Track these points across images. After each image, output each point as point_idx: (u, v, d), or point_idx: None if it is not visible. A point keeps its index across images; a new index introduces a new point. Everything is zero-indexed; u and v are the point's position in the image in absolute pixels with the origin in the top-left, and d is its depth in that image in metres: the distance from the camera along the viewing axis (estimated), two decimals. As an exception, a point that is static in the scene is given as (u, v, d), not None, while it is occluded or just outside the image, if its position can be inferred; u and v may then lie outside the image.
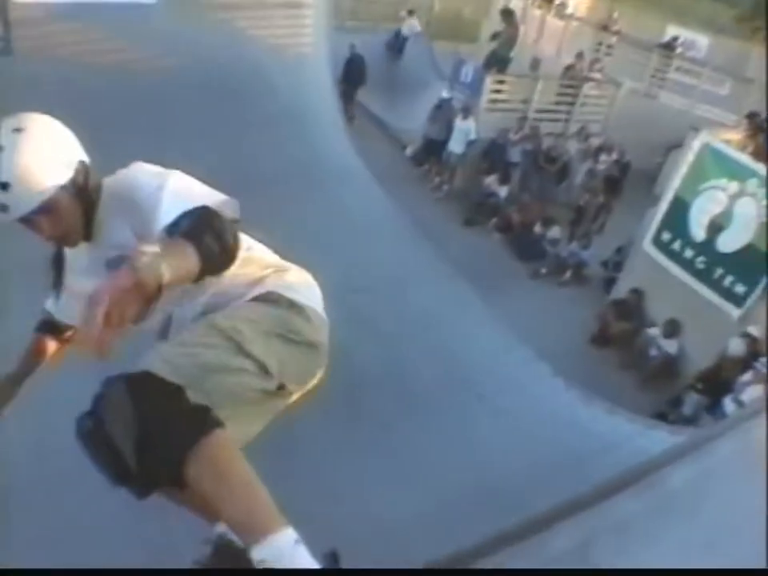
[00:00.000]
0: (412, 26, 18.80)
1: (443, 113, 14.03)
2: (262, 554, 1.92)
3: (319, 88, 11.51)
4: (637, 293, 11.00)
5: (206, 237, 1.88)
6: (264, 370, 2.12)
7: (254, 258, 2.52)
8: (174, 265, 1.76)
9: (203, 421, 1.91)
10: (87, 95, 9.83)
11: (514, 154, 14.00)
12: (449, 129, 13.80)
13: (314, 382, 2.60)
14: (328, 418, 6.41)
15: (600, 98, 15.76)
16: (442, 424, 6.68)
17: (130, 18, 10.26)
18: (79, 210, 2.29)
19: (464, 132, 13.60)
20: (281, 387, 2.25)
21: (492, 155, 13.81)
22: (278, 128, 10.26)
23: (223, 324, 2.11)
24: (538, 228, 12.78)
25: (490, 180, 13.58)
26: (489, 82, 14.43)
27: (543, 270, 12.05)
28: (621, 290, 11.47)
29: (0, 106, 7.89)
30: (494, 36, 15.56)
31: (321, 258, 8.12)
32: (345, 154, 10.55)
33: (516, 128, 14.23)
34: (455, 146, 13.59)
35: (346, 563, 5.10)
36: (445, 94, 14.36)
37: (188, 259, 1.82)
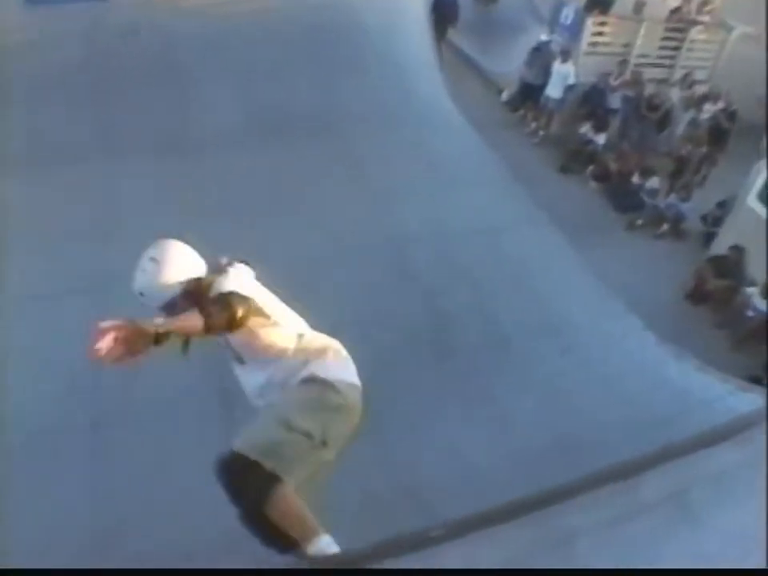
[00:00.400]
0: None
1: (541, 56, 13.62)
2: (312, 551, 3.08)
3: (413, 29, 11.38)
4: (737, 249, 10.57)
5: (213, 308, 2.98)
6: (309, 437, 3.11)
7: (305, 347, 3.43)
8: (178, 323, 2.95)
9: (272, 481, 2.97)
10: (181, 40, 10.15)
11: (614, 100, 13.49)
12: (546, 73, 13.41)
13: (352, 430, 3.54)
14: (416, 360, 6.61)
15: (708, 42, 14.86)
16: (528, 371, 6.76)
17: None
18: (190, 301, 3.19)
19: (562, 76, 13.18)
20: (324, 443, 3.19)
21: (591, 101, 13.37)
22: (371, 70, 10.28)
23: (279, 412, 3.16)
24: (636, 178, 12.40)
25: (588, 126, 13.18)
26: (590, 23, 13.87)
27: (640, 222, 11.71)
28: (720, 246, 11.04)
29: (99, 49, 8.36)
30: (599, -26, 14.89)
31: (412, 201, 8.35)
32: (439, 97, 10.46)
33: (617, 73, 13.67)
34: (553, 90, 13.21)
35: (433, 504, 5.32)
36: (543, 37, 13.91)
37: (192, 319, 2.92)
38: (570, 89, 13.28)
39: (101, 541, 5.13)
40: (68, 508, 5.30)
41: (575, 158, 12.87)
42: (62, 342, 6.50)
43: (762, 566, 3.06)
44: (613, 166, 12.64)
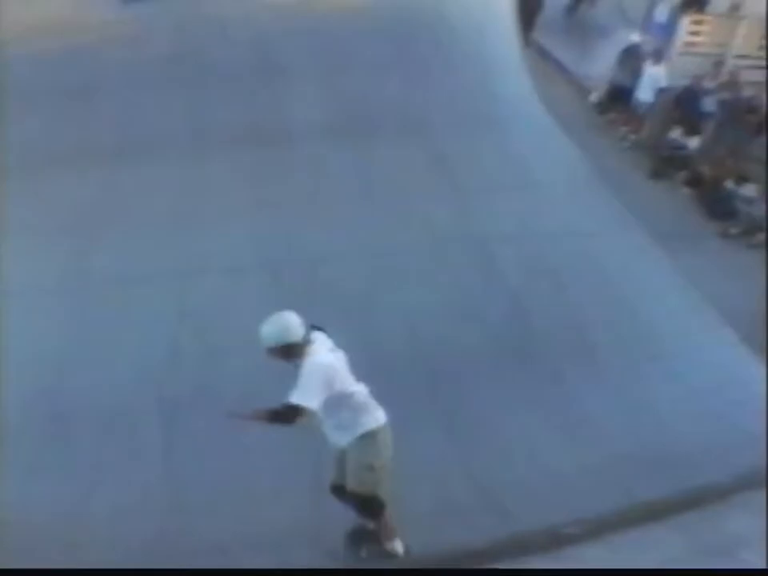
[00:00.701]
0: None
1: (632, 57, 13.27)
2: (393, 547, 4.78)
3: (501, 30, 11.26)
4: (838, 260, 10.04)
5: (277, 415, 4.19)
6: (381, 467, 4.45)
7: (355, 403, 4.44)
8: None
9: (380, 504, 4.54)
10: (272, 34, 10.37)
11: (709, 104, 13.04)
12: (637, 75, 13.06)
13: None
14: (498, 361, 6.59)
15: (815, 42, 14.20)
16: (614, 380, 6.65)
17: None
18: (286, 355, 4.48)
19: (654, 78, 12.81)
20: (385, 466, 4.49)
21: (684, 104, 12.93)
22: (460, 69, 10.24)
23: (360, 462, 4.41)
24: (730, 184, 11.94)
25: (680, 131, 12.77)
26: (685, 22, 13.47)
27: (734, 230, 11.25)
28: (820, 257, 10.51)
29: (193, 43, 8.60)
30: (695, -30, 14.44)
31: (500, 202, 8.31)
32: (527, 98, 10.35)
33: (712, 75, 13.21)
34: (644, 93, 12.84)
35: (513, 510, 5.29)
36: (635, 38, 13.57)
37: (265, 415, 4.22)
38: (661, 92, 12.90)
39: (171, 527, 5.32)
40: (140, 492, 5.53)
41: (667, 164, 12.49)
42: (148, 324, 6.85)
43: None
44: (706, 171, 12.19)
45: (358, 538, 4.96)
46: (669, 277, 7.90)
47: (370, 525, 4.80)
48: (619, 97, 13.49)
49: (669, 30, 13.65)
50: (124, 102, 9.68)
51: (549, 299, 7.15)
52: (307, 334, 4.28)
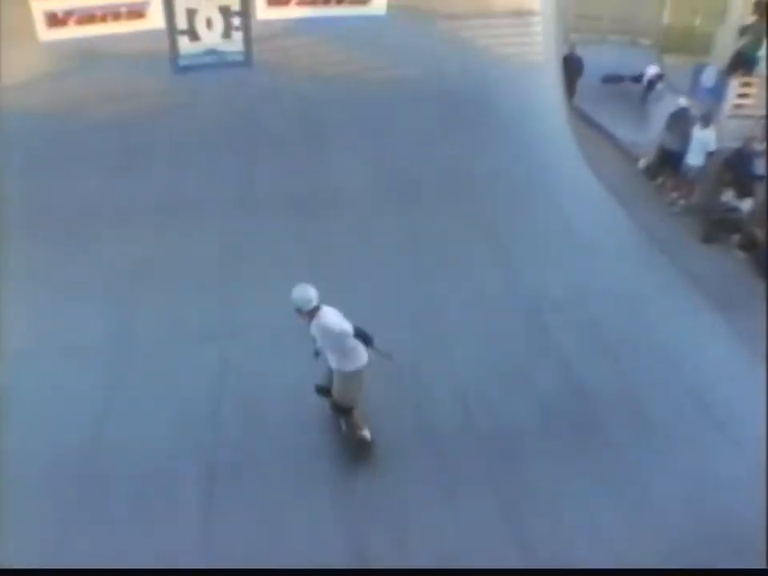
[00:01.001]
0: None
1: (681, 122, 13.19)
2: (363, 434, 6.26)
3: (547, 97, 11.46)
4: None
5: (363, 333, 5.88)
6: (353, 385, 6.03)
7: (344, 347, 5.92)
8: None
9: (348, 410, 6.16)
10: (319, 103, 10.70)
11: (760, 166, 12.84)
12: (686, 139, 12.97)
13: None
14: (553, 432, 6.34)
15: None
16: (676, 451, 6.33)
17: (360, 30, 11.02)
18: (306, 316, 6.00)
19: (703, 142, 12.66)
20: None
21: (735, 166, 12.74)
22: (505, 136, 10.44)
23: (343, 384, 5.98)
24: (785, 247, 11.63)
25: (732, 194, 12.56)
26: (734, 85, 13.39)
27: (791, 293, 10.94)
28: None
29: (240, 113, 8.90)
30: (743, 31, 14.41)
31: (550, 268, 8.20)
32: (574, 165, 10.46)
33: (762, 136, 13.05)
34: (694, 157, 12.70)
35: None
36: (683, 102, 13.54)
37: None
38: (711, 155, 12.76)
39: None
40: (175, 556, 5.39)
41: (719, 227, 12.23)
42: (189, 384, 6.85)
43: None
44: (760, 234, 11.93)
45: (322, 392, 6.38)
46: (725, 342, 7.65)
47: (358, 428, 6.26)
48: (668, 162, 13.36)
49: (717, 93, 13.59)
50: (175, 167, 10.02)
51: (603, 368, 6.97)
52: (319, 302, 5.86)
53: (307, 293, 5.86)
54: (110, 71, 10.75)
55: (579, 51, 15.40)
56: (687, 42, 20.56)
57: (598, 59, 16.40)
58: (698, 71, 14.31)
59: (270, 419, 6.47)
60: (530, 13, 11.71)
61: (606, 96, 16.49)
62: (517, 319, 7.56)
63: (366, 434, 6.24)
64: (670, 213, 11.97)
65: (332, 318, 5.85)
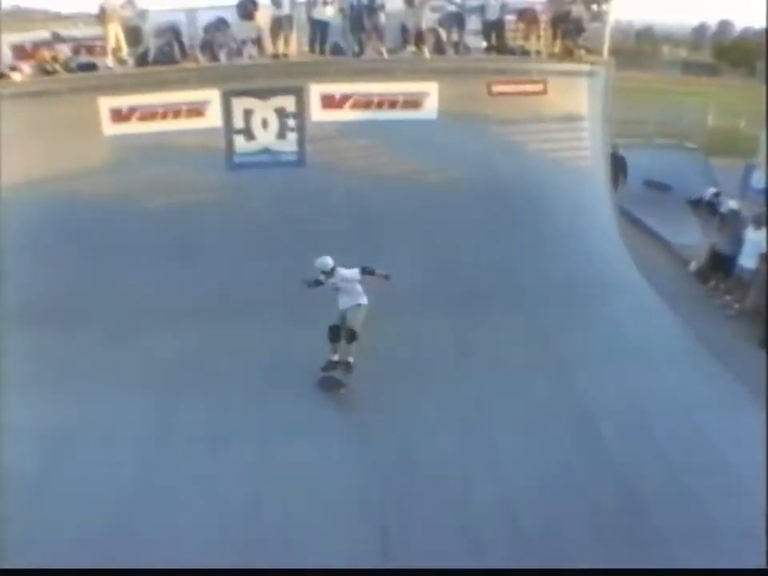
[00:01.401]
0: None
1: (732, 224, 13.11)
2: (348, 359, 8.51)
3: (597, 201, 11.54)
4: None
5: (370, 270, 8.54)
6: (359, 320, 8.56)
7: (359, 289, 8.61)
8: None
9: (357, 335, 8.41)
10: (371, 203, 10.92)
11: (817, 267, 12.56)
12: (738, 242, 12.82)
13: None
14: (605, 549, 6.02)
15: None
16: (739, 564, 5.88)
17: (412, 133, 11.33)
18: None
19: (757, 244, 12.50)
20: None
21: (791, 268, 12.52)
22: (556, 241, 10.52)
23: (356, 313, 8.46)
24: None
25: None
26: (786, 184, 13.36)
27: None
28: None
29: (293, 208, 9.12)
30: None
31: (601, 375, 8.01)
32: (624, 269, 10.43)
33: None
34: (747, 259, 12.50)
35: None
36: (733, 204, 13.48)
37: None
38: (765, 257, 12.56)
39: None
40: None
41: (777, 332, 11.93)
42: (225, 486, 6.73)
43: None
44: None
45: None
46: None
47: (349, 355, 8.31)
48: (721, 264, 13.18)
49: (768, 193, 13.55)
50: (225, 262, 10.24)
51: (658, 478, 6.67)
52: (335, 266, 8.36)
53: (325, 259, 8.43)
54: (168, 165, 11.19)
55: (623, 152, 15.58)
56: (733, 144, 20.78)
57: (643, 161, 16.58)
58: (747, 172, 14.37)
59: (308, 523, 6.29)
60: (578, 118, 11.91)
61: (654, 198, 16.57)
62: (568, 425, 7.36)
63: (351, 359, 8.32)
64: (723, 317, 11.72)
65: (346, 270, 8.45)
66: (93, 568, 5.03)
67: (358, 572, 5.31)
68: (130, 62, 12.54)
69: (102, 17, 12.30)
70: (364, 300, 8.46)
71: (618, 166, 15.42)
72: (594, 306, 9.46)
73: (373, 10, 12.47)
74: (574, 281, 9.87)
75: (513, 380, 8.02)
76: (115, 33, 12.29)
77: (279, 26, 12.41)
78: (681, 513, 6.31)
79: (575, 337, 8.90)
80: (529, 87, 11.87)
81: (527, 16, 13.24)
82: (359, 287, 8.41)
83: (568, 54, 12.55)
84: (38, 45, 12.91)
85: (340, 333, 8.37)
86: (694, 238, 14.36)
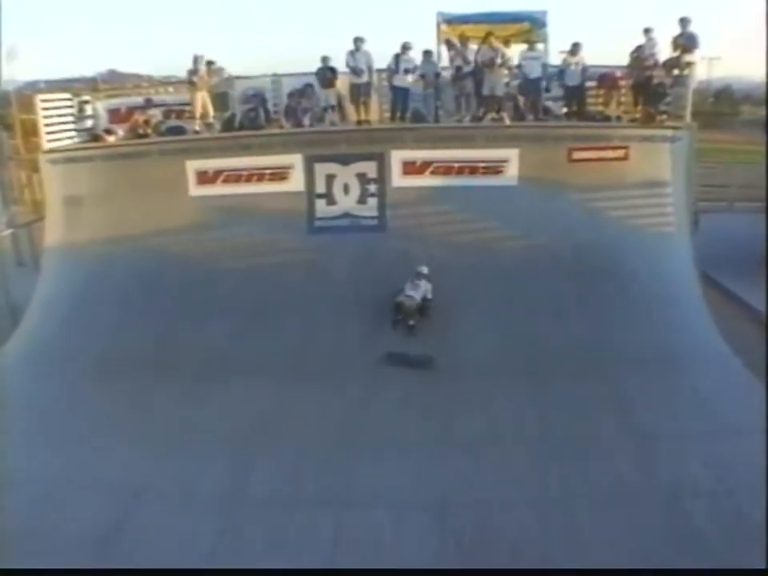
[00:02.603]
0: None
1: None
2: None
3: (681, 269, 11.32)
4: None
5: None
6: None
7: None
8: None
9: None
10: (450, 270, 10.98)
11: None
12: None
13: None
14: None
15: None
16: None
17: (493, 199, 11.44)
18: None
19: None
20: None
21: None
22: (639, 310, 10.35)
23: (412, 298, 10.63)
24: None
25: None
26: None
27: None
28: None
29: (373, 274, 9.27)
30: None
31: (688, 450, 7.72)
32: (710, 339, 10.12)
33: None
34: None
35: None
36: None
37: None
38: None
39: None
40: None
41: None
42: (295, 554, 6.64)
43: None
44: None
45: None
46: None
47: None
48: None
49: None
50: (303, 322, 10.41)
51: (752, 562, 6.28)
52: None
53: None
54: (251, 227, 11.59)
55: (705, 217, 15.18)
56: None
57: (726, 225, 16.16)
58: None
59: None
60: (661, 184, 11.79)
61: (746, 267, 16.12)
62: (655, 507, 7.06)
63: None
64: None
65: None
66: (93, 568, 5.04)
67: (358, 572, 5.20)
68: (217, 126, 13.17)
69: (191, 83, 13.01)
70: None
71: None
72: (678, 379, 9.20)
73: (460, 78, 12.86)
74: (659, 350, 9.69)
75: (594, 457, 7.80)
76: (202, 98, 12.98)
77: (358, 93, 12.95)
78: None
79: (660, 411, 8.64)
80: (610, 153, 11.84)
81: (607, 81, 13.36)
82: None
83: (650, 119, 12.53)
84: (132, 108, 13.68)
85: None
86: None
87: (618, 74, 13.31)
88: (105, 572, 5.16)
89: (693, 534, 6.70)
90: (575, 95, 13.18)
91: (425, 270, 10.58)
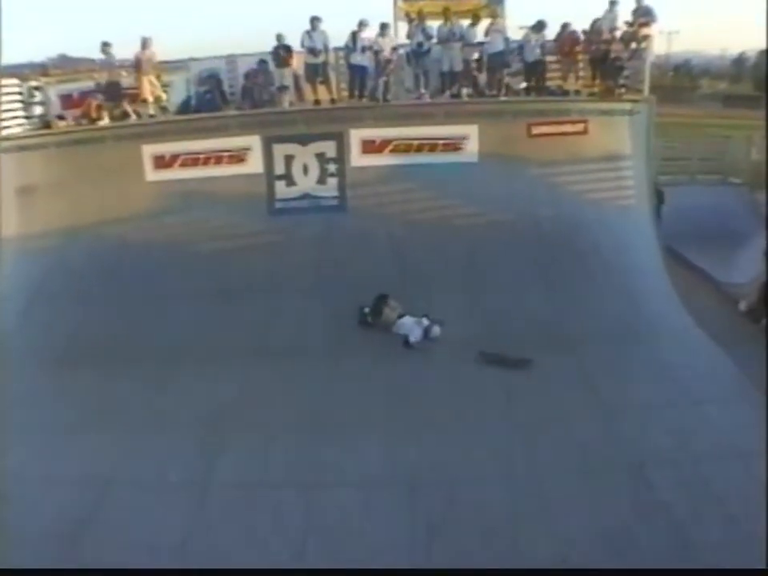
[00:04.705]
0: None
1: (781, 258, 12.96)
2: None
3: (642, 242, 11.52)
4: None
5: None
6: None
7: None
8: None
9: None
10: (412, 248, 11.07)
11: None
12: (791, 276, 12.67)
13: None
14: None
15: None
16: None
17: (453, 176, 11.52)
18: None
19: (812, 275, 12.35)
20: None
21: None
22: (600, 284, 10.47)
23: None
24: None
25: None
26: (838, 218, 13.17)
27: None
28: None
29: (334, 254, 9.29)
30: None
31: (651, 421, 7.90)
32: (673, 311, 10.29)
33: None
34: (801, 292, 12.38)
35: None
36: (782, 240, 13.34)
37: None
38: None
39: None
40: None
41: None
42: (268, 536, 6.66)
43: None
44: None
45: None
46: None
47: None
48: (773, 300, 13.01)
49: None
50: (266, 308, 10.43)
51: (716, 529, 6.48)
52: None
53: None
54: (210, 211, 11.54)
55: (667, 191, 15.39)
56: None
57: (687, 200, 16.41)
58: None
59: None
60: (620, 157, 11.97)
61: (697, 234, 16.40)
62: (619, 476, 7.19)
63: None
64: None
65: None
66: (92, 568, 5.03)
67: (358, 572, 5.27)
68: (172, 109, 13.05)
69: (137, 67, 12.79)
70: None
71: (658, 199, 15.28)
72: (642, 351, 9.34)
73: (420, 54, 12.86)
74: (621, 323, 9.82)
75: (560, 430, 7.87)
76: (149, 82, 12.78)
77: (315, 72, 12.87)
78: (741, 565, 6.16)
79: (623, 382, 8.78)
80: (569, 127, 11.98)
81: (567, 43, 13.26)
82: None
83: (608, 93, 12.70)
84: (84, 94, 13.46)
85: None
86: (743, 276, 14.17)
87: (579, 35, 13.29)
88: (104, 572, 5.13)
89: (656, 502, 6.81)
90: (535, 70, 13.21)
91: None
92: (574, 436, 7.80)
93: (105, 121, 12.64)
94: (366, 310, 10.15)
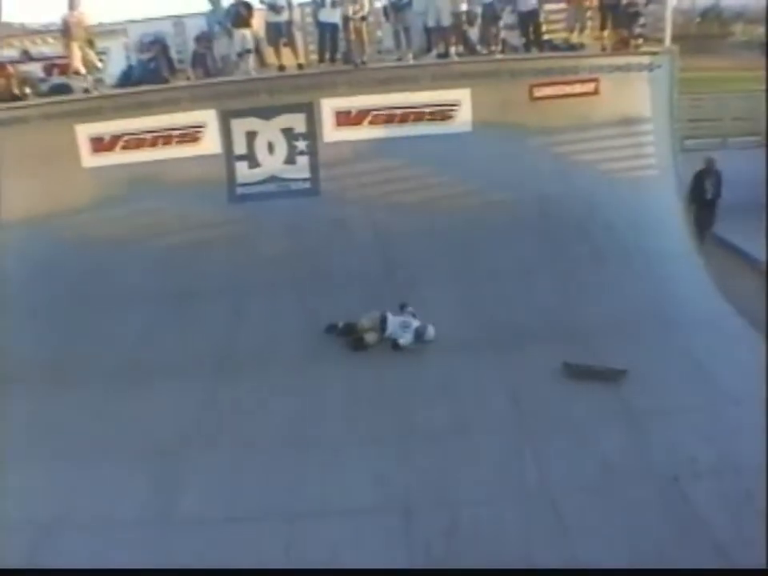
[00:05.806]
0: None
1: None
2: None
3: (666, 219, 11.58)
4: None
5: None
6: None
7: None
8: None
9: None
10: (398, 237, 11.04)
11: None
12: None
13: None
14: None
15: None
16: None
17: (443, 150, 11.51)
18: None
19: None
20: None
21: None
22: (616, 270, 10.55)
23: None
24: None
25: None
26: None
27: None
28: None
29: (307, 245, 9.31)
30: None
31: (682, 426, 7.93)
32: (705, 294, 10.33)
33: None
34: None
35: None
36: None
37: None
38: None
39: None
40: None
41: None
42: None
43: None
44: None
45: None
46: None
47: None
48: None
49: None
50: (230, 311, 10.44)
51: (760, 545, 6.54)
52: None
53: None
54: (159, 200, 11.52)
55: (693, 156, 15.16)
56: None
57: (721, 167, 16.43)
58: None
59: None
60: (639, 120, 12.00)
61: (732, 207, 16.46)
62: (649, 490, 7.26)
63: None
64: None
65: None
66: (92, 568, 5.06)
67: (358, 572, 5.35)
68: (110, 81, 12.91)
69: (64, 32, 12.51)
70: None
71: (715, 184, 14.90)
72: (670, 343, 9.37)
73: (400, 7, 12.61)
74: (644, 314, 9.88)
75: (578, 437, 7.93)
76: (81, 49, 12.44)
77: (278, 33, 12.72)
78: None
79: (650, 380, 8.78)
80: (577, 88, 12.03)
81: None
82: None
83: (622, 45, 12.65)
84: (3, 63, 13.29)
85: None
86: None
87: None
88: (103, 572, 5.18)
89: (693, 519, 6.83)
90: (531, 21, 12.96)
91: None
92: (593, 447, 7.84)
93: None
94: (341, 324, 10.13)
